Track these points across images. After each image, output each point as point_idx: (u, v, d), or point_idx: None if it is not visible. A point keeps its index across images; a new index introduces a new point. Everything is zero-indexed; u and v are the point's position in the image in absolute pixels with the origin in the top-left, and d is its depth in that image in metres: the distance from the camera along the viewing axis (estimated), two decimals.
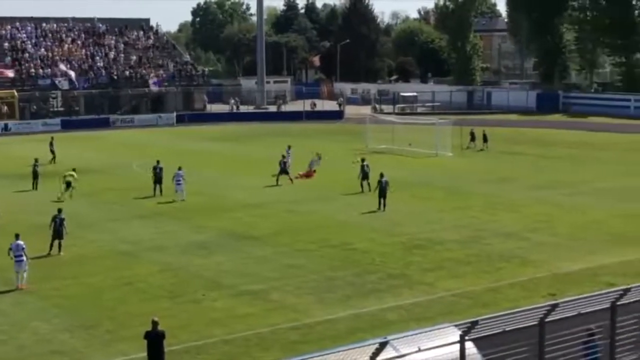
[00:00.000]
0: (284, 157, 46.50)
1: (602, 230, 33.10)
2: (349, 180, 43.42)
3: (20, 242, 25.61)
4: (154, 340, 17.99)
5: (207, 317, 22.44)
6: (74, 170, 42.13)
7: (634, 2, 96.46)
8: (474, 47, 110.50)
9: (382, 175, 38.12)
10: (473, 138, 60.14)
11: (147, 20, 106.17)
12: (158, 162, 42.62)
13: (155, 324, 18.06)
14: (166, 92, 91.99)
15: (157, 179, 41.93)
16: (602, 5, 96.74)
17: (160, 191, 41.65)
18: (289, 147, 49.57)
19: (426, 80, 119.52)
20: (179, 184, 40.47)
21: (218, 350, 20.05)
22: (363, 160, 43.43)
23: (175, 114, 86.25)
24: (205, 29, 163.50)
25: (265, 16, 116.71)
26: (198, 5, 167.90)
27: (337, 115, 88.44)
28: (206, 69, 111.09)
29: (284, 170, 45.51)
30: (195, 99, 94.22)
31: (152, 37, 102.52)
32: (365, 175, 41.90)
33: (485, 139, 59.33)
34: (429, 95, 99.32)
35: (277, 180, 45.18)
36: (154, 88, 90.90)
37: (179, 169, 40.95)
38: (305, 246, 30.88)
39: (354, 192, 41.66)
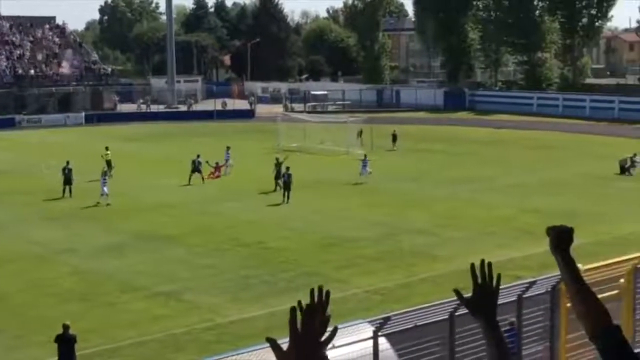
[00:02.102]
0: (198, 156, 46.14)
1: (509, 225, 34.00)
2: (263, 178, 43.47)
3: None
4: (65, 344, 17.73)
5: (120, 320, 22.21)
6: None
7: (535, 3, 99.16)
8: (383, 46, 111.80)
9: (287, 169, 39.68)
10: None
11: (54, 18, 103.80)
12: (67, 162, 41.87)
13: (66, 327, 17.81)
14: (74, 91, 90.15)
15: (67, 180, 41.19)
16: (504, 5, 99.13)
17: (70, 192, 40.92)
18: (228, 148, 49.23)
19: (336, 79, 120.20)
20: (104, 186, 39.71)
21: (132, 352, 19.88)
22: (277, 159, 43.57)
23: (83, 113, 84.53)
24: (114, 27, 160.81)
25: (174, 15, 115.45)
26: (106, 3, 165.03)
27: (248, 115, 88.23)
28: (112, 68, 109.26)
29: (197, 170, 45.36)
30: (104, 99, 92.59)
31: (58, 35, 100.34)
32: (278, 175, 42.11)
33: (394, 139, 59.78)
34: (339, 93, 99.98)
35: (190, 179, 45.02)
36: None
37: (104, 174, 40.33)
38: (219, 245, 30.82)
39: (268, 190, 41.69)
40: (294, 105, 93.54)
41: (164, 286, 25.38)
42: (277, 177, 42.01)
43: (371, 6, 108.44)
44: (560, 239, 3.79)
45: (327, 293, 3.07)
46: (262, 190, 42.01)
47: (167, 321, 22.07)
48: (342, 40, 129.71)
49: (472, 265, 3.41)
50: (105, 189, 39.18)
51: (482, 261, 3.40)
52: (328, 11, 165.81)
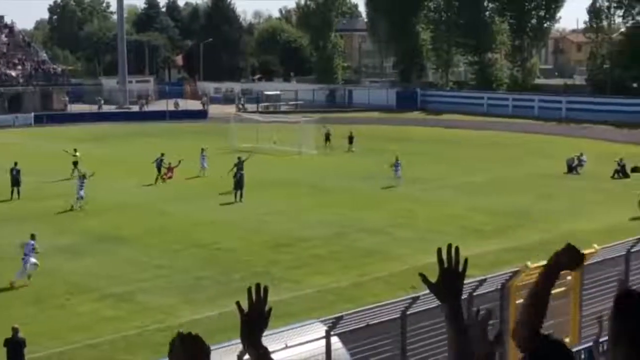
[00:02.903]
0: (162, 155, 46.14)
1: (459, 224, 34.37)
2: (218, 179, 43.40)
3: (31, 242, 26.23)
4: (14, 347, 17.54)
5: (71, 322, 22.02)
6: None
7: (485, 4, 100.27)
8: (335, 46, 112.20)
9: (240, 168, 40.45)
10: (328, 138, 60.46)
11: (2, 18, 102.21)
12: (15, 164, 41.29)
13: (15, 331, 17.63)
14: (23, 91, 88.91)
15: (14, 182, 40.62)
16: (455, 6, 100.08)
17: (18, 194, 40.39)
18: (203, 150, 48.94)
19: (289, 79, 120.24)
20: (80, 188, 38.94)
21: (83, 355, 19.73)
22: (240, 158, 43.56)
23: (33, 114, 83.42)
24: (63, 27, 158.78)
25: (125, 14, 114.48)
26: (55, 2, 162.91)
27: (201, 115, 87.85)
28: (63, 68, 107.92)
29: (158, 168, 45.50)
30: (54, 99, 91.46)
31: (7, 34, 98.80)
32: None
33: (350, 140, 59.63)
34: (292, 94, 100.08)
35: (157, 180, 45.20)
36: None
37: (83, 176, 39.64)
38: (173, 246, 30.70)
39: (222, 191, 41.55)
40: (246, 105, 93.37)
41: (116, 287, 25.22)
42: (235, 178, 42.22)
43: (324, 6, 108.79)
44: (572, 260, 3.91)
45: (265, 289, 3.18)
46: (216, 191, 41.86)
47: (119, 323, 21.94)
48: (294, 41, 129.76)
49: (439, 250, 3.51)
50: (81, 192, 38.52)
51: (449, 245, 3.50)
52: (281, 11, 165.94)
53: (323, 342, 13.66)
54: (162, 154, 46.30)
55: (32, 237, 26.98)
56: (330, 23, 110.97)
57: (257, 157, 48.71)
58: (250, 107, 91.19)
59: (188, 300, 24.03)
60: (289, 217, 36.09)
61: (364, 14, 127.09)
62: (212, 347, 10.57)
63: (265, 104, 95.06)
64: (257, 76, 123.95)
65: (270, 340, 13.24)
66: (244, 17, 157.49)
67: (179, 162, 46.13)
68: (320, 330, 13.82)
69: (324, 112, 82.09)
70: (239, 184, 40.13)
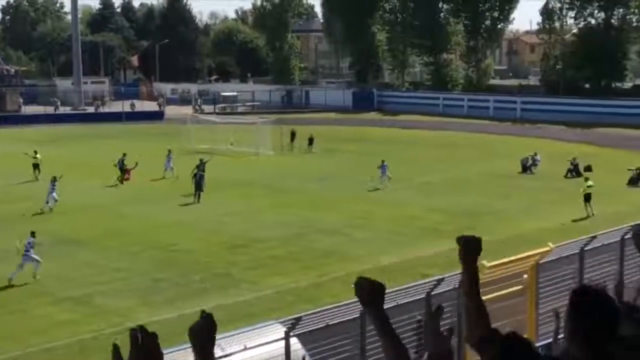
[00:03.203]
0: (124, 155, 46.05)
1: (417, 224, 34.63)
2: (176, 180, 43.22)
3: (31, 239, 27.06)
4: None
5: (27, 326, 21.80)
6: None
7: (439, 5, 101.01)
8: (292, 47, 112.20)
9: (201, 169, 40.64)
10: (293, 138, 60.74)
11: None
12: None
13: None
14: None
15: None
16: (410, 7, 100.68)
17: None
18: (170, 152, 48.63)
19: (246, 79, 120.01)
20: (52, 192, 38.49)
21: (38, 359, 19.52)
22: (202, 160, 43.43)
23: None
24: (16, 27, 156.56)
25: (80, 15, 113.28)
26: (7, 2, 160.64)
27: (157, 116, 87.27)
28: (16, 68, 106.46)
29: (121, 169, 45.59)
30: (8, 100, 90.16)
31: None
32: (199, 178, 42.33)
33: (310, 142, 59.25)
34: (249, 94, 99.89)
35: (120, 180, 45.27)
36: None
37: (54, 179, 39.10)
38: (131, 248, 30.50)
39: (184, 193, 41.30)
40: (203, 106, 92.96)
41: (73, 291, 25.00)
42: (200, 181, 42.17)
43: (279, 7, 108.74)
44: (468, 248, 4.02)
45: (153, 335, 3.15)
46: (177, 192, 41.64)
47: (76, 326, 21.75)
48: (251, 41, 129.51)
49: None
50: (54, 194, 38.03)
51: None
52: (237, 12, 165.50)
53: (282, 343, 13.68)
54: (124, 154, 46.12)
55: (32, 234, 27.67)
56: (287, 24, 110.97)
57: (215, 158, 48.50)
58: (207, 108, 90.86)
59: (146, 303, 23.90)
60: (246, 218, 36.04)
61: (320, 15, 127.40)
62: (171, 350, 10.52)
63: (222, 105, 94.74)
64: (214, 77, 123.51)
65: (229, 342, 13.28)
66: (199, 18, 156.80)
67: (136, 163, 45.82)
68: (279, 331, 13.84)
69: (281, 113, 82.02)
70: (198, 185, 40.24)
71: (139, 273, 27.08)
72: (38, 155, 47.63)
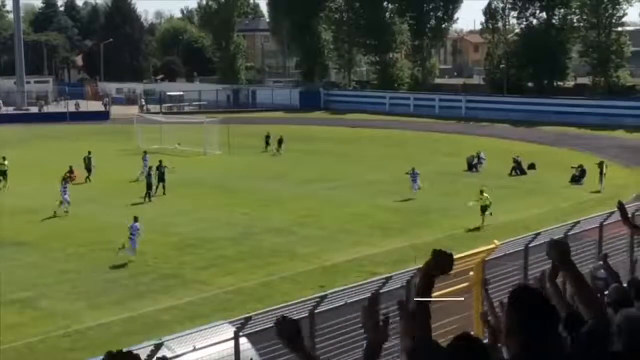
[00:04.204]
0: (89, 153, 45.88)
1: (365, 222, 34.84)
2: (125, 180, 42.86)
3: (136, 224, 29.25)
4: None
5: None
6: None
7: (385, 5, 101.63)
8: (238, 46, 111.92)
9: (150, 169, 41.27)
10: (268, 140, 59.36)
11: None
12: None
13: None
14: None
15: None
16: (356, 7, 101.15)
17: None
18: (145, 153, 47.94)
19: (192, 79, 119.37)
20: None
21: None
22: (161, 162, 43.15)
23: None
24: None
25: (22, 13, 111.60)
26: None
27: (102, 116, 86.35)
28: None
29: (87, 168, 45.70)
30: None
31: None
32: (162, 177, 42.10)
33: (280, 143, 58.14)
34: (196, 94, 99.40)
35: (86, 179, 45.23)
36: None
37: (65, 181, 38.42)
38: (77, 250, 30.20)
39: (130, 192, 40.93)
40: (149, 106, 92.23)
41: (19, 293, 24.65)
42: (160, 180, 42.01)
43: (225, 7, 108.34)
44: (438, 265, 4.18)
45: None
46: (124, 192, 41.28)
47: (22, 329, 21.48)
48: (197, 41, 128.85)
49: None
50: (66, 197, 37.29)
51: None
52: (182, 11, 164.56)
53: (232, 343, 13.68)
54: (90, 152, 46.16)
55: (135, 219, 29.78)
56: (232, 23, 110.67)
57: (162, 158, 48.05)
58: (153, 107, 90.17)
59: (93, 305, 23.69)
60: (195, 217, 35.90)
61: (266, 14, 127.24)
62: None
63: (169, 104, 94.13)
64: (160, 76, 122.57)
65: (178, 343, 13.25)
66: (145, 17, 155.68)
67: (89, 159, 45.52)
68: (229, 331, 13.83)
69: (227, 112, 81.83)
70: (150, 185, 40.51)
71: (85, 275, 26.83)
72: (5, 162, 45.62)
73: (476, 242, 22.68)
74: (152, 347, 12.32)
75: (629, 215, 6.80)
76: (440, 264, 4.20)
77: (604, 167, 43.28)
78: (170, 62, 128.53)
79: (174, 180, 43.75)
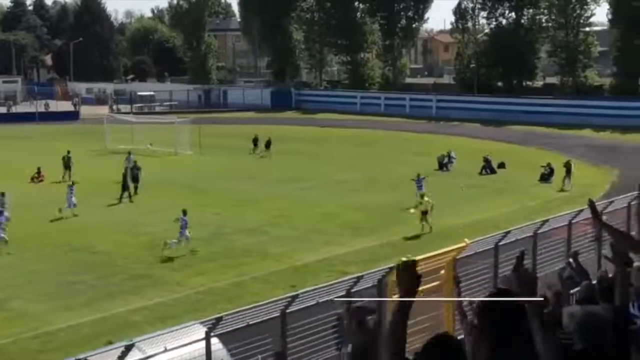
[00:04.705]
0: (69, 152, 45.72)
1: (336, 222, 34.92)
2: (97, 181, 42.66)
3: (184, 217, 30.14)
4: None
5: None
6: None
7: (355, 5, 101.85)
8: (209, 46, 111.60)
9: (135, 169, 41.49)
10: (256, 143, 58.65)
11: None
12: None
13: None
14: None
15: None
16: (327, 7, 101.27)
17: None
18: (129, 154, 47.57)
19: (163, 79, 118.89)
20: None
21: None
22: (135, 162, 42.86)
23: None
24: None
25: None
26: None
27: (72, 116, 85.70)
28: None
29: (67, 166, 45.76)
30: None
31: None
32: (136, 178, 41.77)
33: (268, 145, 57.30)
34: (167, 94, 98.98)
35: (63, 177, 44.82)
36: None
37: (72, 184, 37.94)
38: (49, 251, 29.99)
39: (106, 193, 40.64)
40: (120, 106, 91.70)
41: None
42: (134, 180, 41.80)
43: (196, 6, 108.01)
44: (404, 278, 4.22)
45: None
46: (101, 193, 40.97)
47: None
48: (168, 41, 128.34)
49: None
50: (73, 199, 36.78)
51: None
52: (153, 11, 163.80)
53: (203, 343, 13.68)
54: (69, 152, 46.11)
55: (184, 212, 30.51)
56: (203, 23, 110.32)
57: (135, 158, 47.84)
58: (124, 107, 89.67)
59: (64, 306, 23.55)
60: (166, 217, 35.69)
61: (237, 14, 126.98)
62: (88, 354, 10.49)
63: (139, 104, 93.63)
64: (130, 76, 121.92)
65: (149, 344, 13.22)
66: (115, 17, 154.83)
67: (68, 158, 45.19)
68: (200, 331, 13.82)
69: (199, 112, 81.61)
70: (125, 187, 40.40)
71: (56, 276, 26.65)
72: None
73: (445, 242, 22.76)
74: (122, 349, 12.30)
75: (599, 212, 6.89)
76: (404, 277, 4.21)
77: (572, 166, 43.77)
78: (140, 61, 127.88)
79: (145, 181, 43.56)
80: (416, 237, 31.88)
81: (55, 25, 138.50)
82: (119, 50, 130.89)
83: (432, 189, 42.35)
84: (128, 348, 12.35)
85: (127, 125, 61.90)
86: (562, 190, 42.28)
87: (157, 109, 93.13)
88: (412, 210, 34.89)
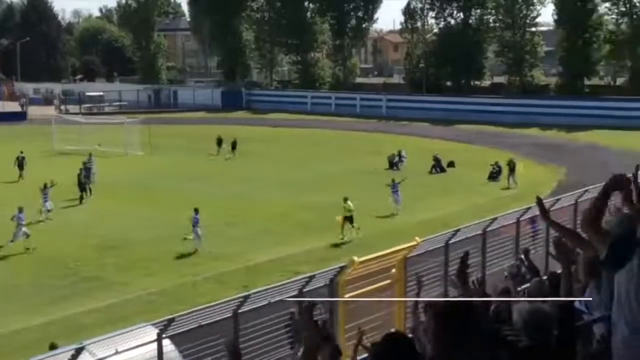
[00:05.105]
0: (22, 152, 45.47)
1: (288, 222, 34.98)
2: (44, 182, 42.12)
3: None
4: None
5: None
6: None
7: (306, 5, 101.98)
8: (159, 46, 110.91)
9: (85, 171, 41.55)
10: (220, 143, 57.81)
11: None
12: None
13: None
14: None
15: None
16: (277, 7, 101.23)
17: None
18: (91, 155, 47.06)
19: (112, 79, 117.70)
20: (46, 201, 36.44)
21: None
22: (84, 163, 42.30)
23: None
24: None
25: None
26: None
27: (19, 117, 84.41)
28: None
29: (20, 166, 45.67)
30: None
31: None
32: (87, 179, 41.35)
33: (234, 146, 56.83)
34: (116, 94, 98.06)
35: (19, 178, 45.02)
36: None
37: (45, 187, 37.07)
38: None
39: (61, 194, 40.09)
40: (68, 106, 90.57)
41: None
42: (85, 183, 41.35)
43: (145, 6, 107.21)
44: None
45: None
46: (55, 194, 40.33)
47: None
48: (117, 40, 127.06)
49: None
50: (47, 204, 36.04)
51: None
52: (101, 10, 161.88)
53: (155, 345, 13.61)
54: (22, 152, 45.80)
55: (196, 211, 31.05)
56: (152, 22, 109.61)
57: (83, 159, 47.27)
58: (72, 108, 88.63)
59: (14, 309, 23.24)
60: (117, 219, 35.46)
61: (187, 13, 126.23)
62: (36, 358, 10.36)
63: (88, 105, 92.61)
64: (79, 76, 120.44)
65: (100, 346, 13.12)
66: (62, 16, 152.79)
67: (22, 158, 45.17)
68: (152, 333, 13.75)
69: (149, 112, 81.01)
70: (82, 187, 40.27)
71: (3, 279, 26.28)
72: None
73: (396, 240, 22.93)
74: (72, 352, 12.19)
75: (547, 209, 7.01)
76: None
77: (515, 164, 44.53)
78: (89, 61, 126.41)
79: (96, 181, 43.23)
80: (369, 236, 32.03)
81: (1, 24, 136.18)
82: (66, 50, 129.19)
83: (382, 188, 42.67)
84: (78, 351, 12.23)
85: (76, 125, 61.18)
86: (507, 188, 42.94)
87: (107, 109, 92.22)
88: (337, 218, 32.81)
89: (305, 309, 4.39)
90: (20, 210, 30.93)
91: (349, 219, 32.57)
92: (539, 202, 6.49)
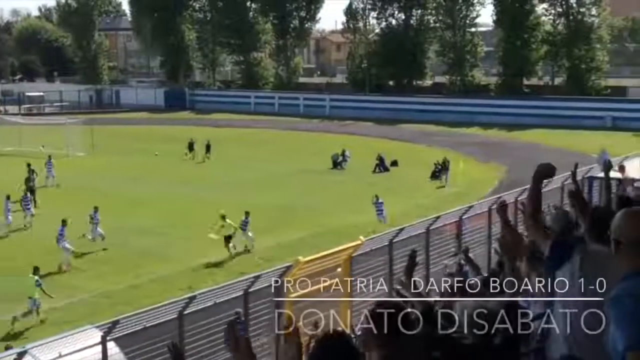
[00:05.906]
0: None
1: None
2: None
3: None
4: None
5: None
6: None
7: (248, 4, 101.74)
8: (100, 45, 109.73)
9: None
10: (191, 148, 56.84)
11: None
12: None
13: None
14: None
15: None
16: (219, 6, 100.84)
17: None
18: (50, 158, 46.16)
19: (52, 79, 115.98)
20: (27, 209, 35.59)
21: None
22: (29, 165, 41.56)
23: None
24: None
25: None
26: None
27: None
28: None
29: None
30: None
31: None
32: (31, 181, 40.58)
33: (208, 149, 55.85)
34: (57, 95, 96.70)
35: None
36: None
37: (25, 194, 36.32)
38: None
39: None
40: (7, 107, 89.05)
41: None
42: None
43: (85, 5, 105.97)
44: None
45: None
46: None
47: None
48: (57, 40, 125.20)
49: None
50: (30, 209, 35.30)
51: None
52: (40, 10, 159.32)
53: (99, 348, 13.53)
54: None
55: (247, 214, 31.12)
56: (93, 22, 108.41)
57: (22, 161, 46.47)
58: (12, 109, 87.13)
59: None
60: (59, 221, 34.90)
61: (128, 13, 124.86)
62: None
63: (28, 105, 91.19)
64: (18, 76, 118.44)
65: (43, 350, 13.00)
66: (0, 15, 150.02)
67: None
68: (96, 336, 13.66)
69: (90, 113, 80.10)
70: (32, 190, 39.23)
71: None
72: None
73: (340, 240, 23.07)
74: (15, 356, 12.05)
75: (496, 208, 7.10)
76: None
77: (449, 163, 45.31)
78: (28, 61, 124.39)
79: (38, 184, 42.53)
80: (311, 236, 32.08)
81: None
82: (5, 49, 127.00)
83: (327, 188, 42.88)
84: (20, 355, 12.11)
85: (16, 126, 60.17)
86: (442, 186, 43.53)
87: (47, 109, 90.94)
88: (212, 235, 30.47)
89: (229, 325, 4.47)
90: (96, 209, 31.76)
91: (227, 238, 30.02)
92: (502, 206, 6.52)
